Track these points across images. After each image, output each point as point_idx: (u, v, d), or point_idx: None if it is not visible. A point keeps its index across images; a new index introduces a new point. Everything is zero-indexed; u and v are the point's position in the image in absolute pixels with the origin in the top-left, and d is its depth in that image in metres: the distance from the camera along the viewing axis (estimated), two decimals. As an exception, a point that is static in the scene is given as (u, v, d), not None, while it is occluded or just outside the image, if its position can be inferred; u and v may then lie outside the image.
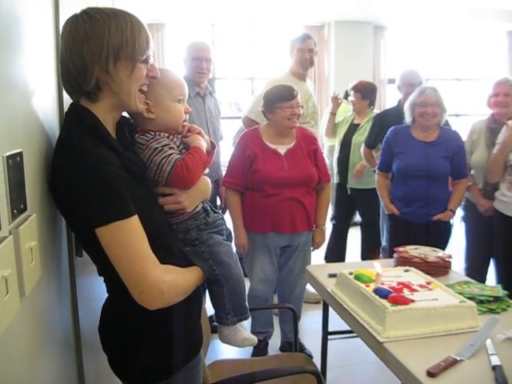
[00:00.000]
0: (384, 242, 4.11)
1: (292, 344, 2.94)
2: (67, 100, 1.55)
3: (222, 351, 3.41)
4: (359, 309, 2.10)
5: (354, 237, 5.29)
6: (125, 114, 1.56)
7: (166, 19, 8.31)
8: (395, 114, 3.96)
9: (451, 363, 1.70)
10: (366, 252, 4.83)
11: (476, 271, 3.71)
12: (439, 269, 2.56)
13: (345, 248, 5.10)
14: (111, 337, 1.53)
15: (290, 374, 2.10)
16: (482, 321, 1.99)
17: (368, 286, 2.11)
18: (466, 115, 9.28)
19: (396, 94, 4.51)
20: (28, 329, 1.22)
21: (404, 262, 2.58)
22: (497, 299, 2.23)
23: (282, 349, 3.64)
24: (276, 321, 3.64)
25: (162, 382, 1.50)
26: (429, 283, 2.21)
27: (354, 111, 5.00)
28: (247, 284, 3.22)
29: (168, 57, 8.50)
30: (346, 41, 9.05)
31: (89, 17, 1.33)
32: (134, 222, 1.30)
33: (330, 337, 2.83)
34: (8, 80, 1.13)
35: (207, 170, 1.63)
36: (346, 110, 5.57)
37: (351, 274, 2.27)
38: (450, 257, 2.65)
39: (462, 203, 3.81)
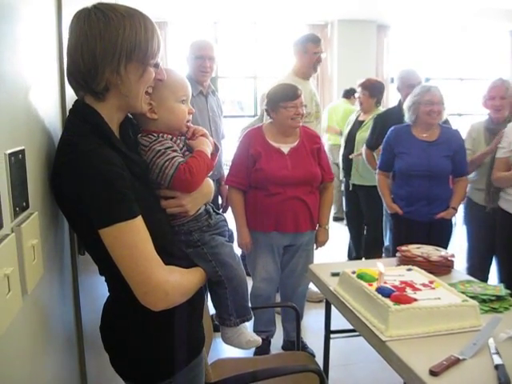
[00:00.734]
0: (387, 242, 4.10)
1: (294, 343, 2.94)
2: (70, 97, 1.55)
3: (225, 350, 3.41)
4: (362, 308, 2.09)
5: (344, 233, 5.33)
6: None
7: (169, 17, 8.32)
8: (396, 115, 3.96)
9: (454, 362, 1.69)
10: (368, 250, 4.83)
11: (478, 270, 3.71)
12: (442, 268, 2.56)
13: (361, 246, 5.14)
14: (112, 336, 1.52)
15: (293, 373, 2.10)
16: (485, 320, 1.98)
17: (371, 285, 2.11)
18: (468, 115, 9.27)
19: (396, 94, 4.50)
20: (30, 327, 1.22)
21: (407, 261, 2.58)
22: (499, 298, 2.22)
23: (284, 347, 3.64)
24: (278, 320, 3.64)
25: (164, 381, 1.49)
26: (431, 282, 2.21)
27: (361, 108, 4.99)
28: (250, 283, 3.23)
29: (170, 55, 8.51)
30: (349, 40, 9.05)
31: (103, 14, 1.31)
32: (138, 222, 1.29)
33: (332, 336, 2.82)
34: (10, 77, 1.12)
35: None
36: (348, 110, 5.59)
37: (354, 272, 2.26)
38: (452, 256, 2.65)
39: (463, 202, 3.81)
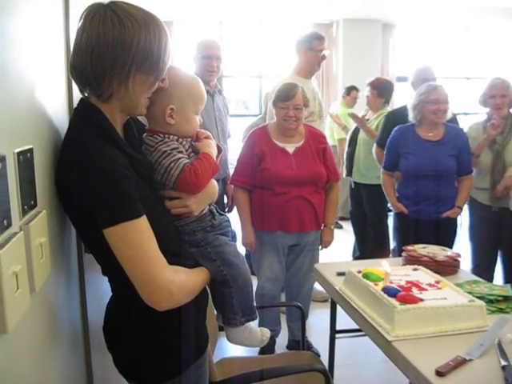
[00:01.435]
0: (394, 243, 4.09)
1: (299, 342, 2.94)
2: (77, 96, 1.55)
3: (230, 349, 3.40)
4: (367, 307, 2.09)
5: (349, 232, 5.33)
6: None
7: (174, 17, 8.31)
8: (406, 113, 3.93)
9: (460, 363, 1.69)
10: (373, 250, 4.82)
11: (483, 270, 3.70)
12: (448, 268, 2.55)
13: (365, 243, 5.14)
14: (115, 336, 1.52)
15: (298, 373, 2.10)
16: (492, 320, 1.98)
17: (376, 285, 2.11)
18: (474, 114, 9.24)
19: (404, 92, 4.49)
20: (38, 325, 1.23)
21: (413, 260, 2.57)
22: (506, 299, 2.21)
23: (289, 347, 3.64)
24: (283, 319, 3.64)
25: (168, 381, 1.49)
26: (438, 282, 2.20)
27: (368, 107, 4.98)
28: (254, 282, 3.23)
29: (176, 55, 8.52)
30: (355, 39, 9.01)
31: (119, 20, 1.27)
32: (143, 222, 1.29)
33: (337, 335, 2.82)
34: (17, 76, 1.13)
35: None
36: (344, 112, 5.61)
37: (360, 272, 2.26)
38: (458, 256, 2.64)
39: (467, 203, 3.81)
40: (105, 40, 1.27)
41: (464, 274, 2.62)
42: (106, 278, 1.51)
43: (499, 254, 3.80)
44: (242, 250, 3.81)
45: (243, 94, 9.80)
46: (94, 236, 1.29)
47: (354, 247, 5.31)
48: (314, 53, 4.04)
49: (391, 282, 2.13)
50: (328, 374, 2.05)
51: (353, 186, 4.97)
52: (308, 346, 3.52)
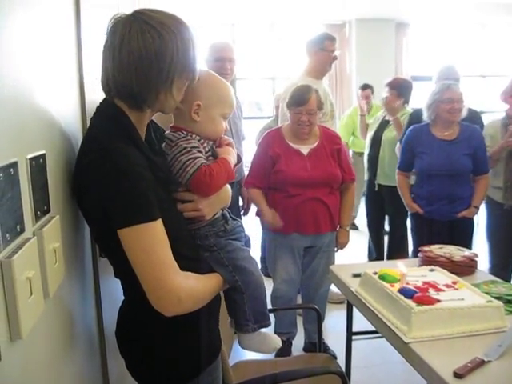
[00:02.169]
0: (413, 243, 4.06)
1: (316, 344, 2.92)
2: (89, 101, 1.56)
3: (246, 352, 3.39)
4: (384, 309, 2.07)
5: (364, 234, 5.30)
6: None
7: (187, 20, 8.34)
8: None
9: (478, 364, 1.67)
10: (393, 251, 4.78)
11: (501, 270, 3.66)
12: (465, 268, 2.52)
13: (383, 245, 5.11)
14: (128, 340, 1.52)
15: (314, 375, 2.08)
16: (510, 321, 1.95)
17: (393, 286, 2.09)
18: (490, 112, 9.17)
19: (420, 92, 4.45)
20: (53, 330, 1.23)
21: (429, 261, 2.55)
22: (525, 299, 2.19)
23: (305, 349, 3.62)
24: (300, 321, 3.63)
25: None
26: (455, 283, 2.18)
27: (386, 109, 4.91)
28: (270, 284, 3.22)
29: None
30: (368, 39, 9.01)
31: (156, 32, 1.28)
32: (158, 226, 1.28)
33: (354, 337, 2.81)
34: (29, 83, 1.13)
35: None
36: (378, 109, 5.56)
37: (375, 273, 2.24)
38: (476, 256, 2.61)
39: (484, 202, 3.77)
40: (147, 55, 1.28)
41: (481, 274, 2.59)
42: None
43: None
44: (257, 253, 3.80)
45: (256, 95, 9.81)
46: (109, 237, 1.28)
47: (370, 249, 5.27)
48: (325, 53, 4.01)
49: (408, 283, 2.11)
50: (345, 376, 2.04)
51: (376, 189, 4.91)
52: (325, 348, 3.50)
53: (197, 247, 1.54)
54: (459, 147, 3.44)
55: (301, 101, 3.13)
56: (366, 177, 5.09)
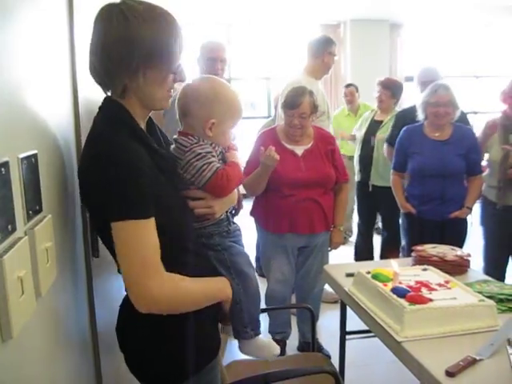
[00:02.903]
0: (403, 242, 4.07)
1: (310, 344, 2.93)
2: (83, 100, 1.56)
3: (239, 352, 3.41)
4: (377, 308, 2.08)
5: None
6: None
7: (183, 19, 8.34)
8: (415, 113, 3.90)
9: (470, 363, 1.67)
10: (386, 252, 4.79)
11: (494, 269, 3.68)
12: (458, 267, 2.53)
13: (372, 247, 5.12)
14: (127, 336, 1.53)
15: (307, 374, 2.08)
16: (502, 320, 1.96)
17: (386, 285, 2.09)
18: (483, 113, 9.20)
19: (413, 92, 4.46)
20: (44, 329, 1.22)
21: (422, 260, 2.55)
22: (517, 298, 2.20)
23: (299, 349, 3.63)
24: (294, 321, 3.63)
25: (181, 383, 1.49)
26: (447, 282, 2.18)
27: (380, 108, 4.94)
28: (265, 285, 3.22)
29: (184, 57, 8.53)
30: (362, 39, 9.04)
31: (124, 17, 1.30)
32: (149, 224, 1.29)
33: (348, 336, 2.81)
34: (21, 82, 1.13)
35: None
36: (366, 108, 5.57)
37: (369, 273, 2.25)
38: (468, 255, 2.62)
39: (479, 201, 3.79)
40: (110, 37, 1.30)
41: (474, 273, 2.60)
42: (116, 281, 1.51)
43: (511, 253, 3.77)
44: (251, 253, 3.80)
45: (251, 95, 9.81)
46: (108, 231, 1.29)
47: (357, 249, 5.21)
48: (332, 57, 4.13)
49: (400, 283, 2.11)
50: (338, 376, 2.04)
51: (370, 190, 4.89)
52: (318, 348, 3.51)
53: (201, 244, 1.57)
54: (452, 148, 3.45)
55: (293, 104, 3.13)
56: (356, 178, 5.06)
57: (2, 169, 0.98)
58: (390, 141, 4.30)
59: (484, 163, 3.80)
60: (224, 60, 3.55)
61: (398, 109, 4.92)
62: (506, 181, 3.55)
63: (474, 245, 3.93)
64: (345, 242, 5.99)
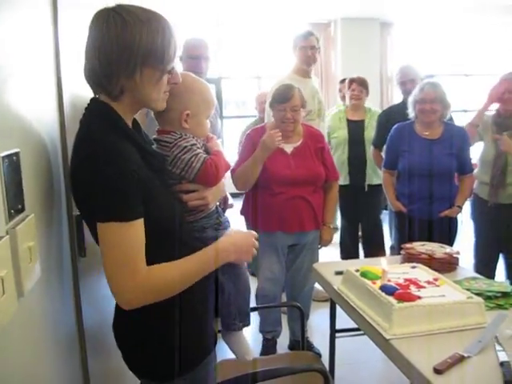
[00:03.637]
0: (392, 241, 4.08)
1: (300, 343, 2.93)
2: (68, 99, 1.55)
3: (229, 350, 3.40)
4: (366, 306, 2.07)
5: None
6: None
7: (172, 19, 8.32)
8: (401, 111, 3.89)
9: (458, 360, 1.67)
10: (370, 250, 4.77)
11: (485, 266, 3.70)
12: (446, 265, 2.53)
13: (357, 246, 5.10)
14: (125, 333, 1.54)
15: (295, 373, 2.08)
16: (490, 317, 1.96)
17: (374, 283, 2.09)
18: (473, 111, 9.22)
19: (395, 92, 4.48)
20: (27, 330, 1.21)
21: (411, 258, 2.56)
22: (505, 295, 2.19)
23: (290, 347, 3.63)
24: (285, 320, 3.63)
25: (179, 378, 1.50)
26: (436, 279, 2.18)
27: (357, 106, 4.83)
28: (255, 283, 3.21)
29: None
30: (353, 38, 9.06)
31: (120, 18, 1.33)
32: (133, 226, 1.31)
33: (338, 335, 2.81)
34: (4, 79, 1.12)
35: None
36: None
37: (358, 271, 2.24)
38: (457, 253, 2.62)
39: (470, 199, 3.80)
40: (108, 38, 1.33)
41: (463, 270, 2.60)
42: (104, 280, 1.50)
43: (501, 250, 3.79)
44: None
45: (242, 94, 9.81)
46: (95, 229, 1.33)
47: (343, 246, 5.19)
48: (304, 50, 4.08)
49: (389, 280, 2.11)
50: (327, 374, 2.04)
51: (366, 190, 4.76)
52: (309, 346, 3.52)
53: (195, 240, 1.58)
54: (442, 146, 3.45)
55: (284, 98, 3.13)
56: (344, 181, 4.75)
57: (-17, 167, 0.97)
58: (376, 143, 4.29)
59: (474, 161, 3.82)
60: (207, 58, 3.46)
61: (376, 109, 4.87)
62: (499, 179, 3.56)
63: (465, 242, 3.95)
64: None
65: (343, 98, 6.14)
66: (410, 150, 3.50)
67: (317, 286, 3.53)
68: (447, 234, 3.47)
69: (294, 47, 4.16)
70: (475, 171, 3.72)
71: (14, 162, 1.13)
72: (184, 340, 1.48)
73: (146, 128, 1.68)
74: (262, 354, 3.42)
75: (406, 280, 2.16)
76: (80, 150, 1.34)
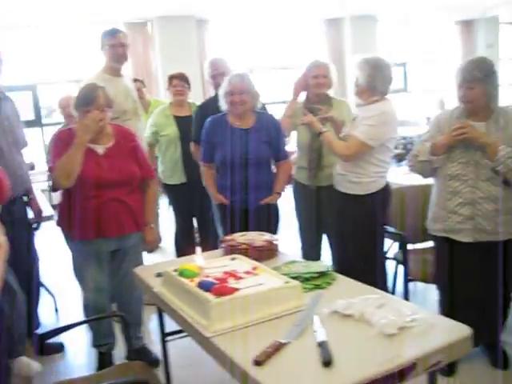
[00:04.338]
0: (221, 234, 4.05)
1: (137, 351, 2.79)
2: None
3: (68, 371, 3.18)
4: (185, 306, 1.99)
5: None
6: None
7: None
8: (214, 105, 3.82)
9: (277, 347, 1.63)
10: (207, 246, 4.70)
11: (311, 248, 3.83)
12: (267, 252, 2.53)
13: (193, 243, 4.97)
14: None
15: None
16: (308, 299, 1.97)
17: (192, 281, 2.01)
18: (282, 102, 9.61)
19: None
20: None
21: (233, 250, 2.52)
22: (322, 274, 2.22)
23: (128, 357, 3.46)
24: (119, 329, 3.45)
25: None
26: (255, 269, 2.16)
27: (178, 102, 4.75)
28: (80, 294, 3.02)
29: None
30: (171, 36, 9.08)
31: None
32: None
33: (169, 338, 2.73)
34: None
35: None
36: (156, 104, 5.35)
37: (176, 270, 2.16)
38: (276, 239, 2.64)
39: (291, 185, 3.89)
40: None
41: (284, 256, 2.60)
42: None
43: (324, 230, 3.93)
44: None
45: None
46: None
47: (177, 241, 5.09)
48: (111, 49, 3.99)
49: (208, 276, 2.05)
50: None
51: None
52: (147, 353, 3.39)
53: None
54: (256, 135, 3.47)
55: (88, 100, 2.96)
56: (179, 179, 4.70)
57: None
58: (195, 138, 4.20)
59: (292, 148, 3.91)
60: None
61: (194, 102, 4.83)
62: (317, 162, 3.67)
63: (295, 229, 4.04)
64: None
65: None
66: (224, 141, 3.47)
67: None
68: (270, 221, 3.50)
69: (102, 46, 4.02)
70: (293, 157, 3.80)
71: None
72: None
73: None
74: (98, 369, 3.23)
75: (225, 273, 2.11)
76: None
